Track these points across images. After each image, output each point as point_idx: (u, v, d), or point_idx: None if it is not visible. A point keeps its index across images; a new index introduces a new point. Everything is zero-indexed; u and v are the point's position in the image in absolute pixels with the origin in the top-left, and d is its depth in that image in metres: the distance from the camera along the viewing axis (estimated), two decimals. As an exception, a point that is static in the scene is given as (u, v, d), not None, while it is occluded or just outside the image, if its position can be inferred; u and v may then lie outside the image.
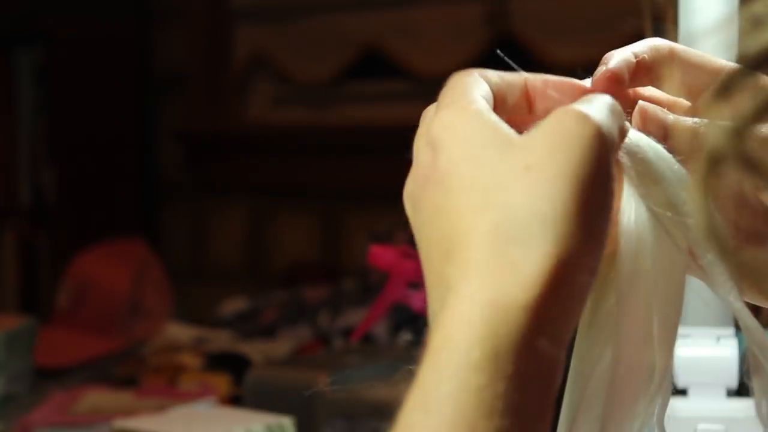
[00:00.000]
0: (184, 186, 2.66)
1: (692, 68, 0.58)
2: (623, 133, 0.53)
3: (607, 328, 0.54)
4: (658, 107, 0.57)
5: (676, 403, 0.87)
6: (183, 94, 2.63)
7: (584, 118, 0.49)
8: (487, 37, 2.20)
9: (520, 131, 0.51)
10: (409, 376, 0.46)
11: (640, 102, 0.57)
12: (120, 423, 1.17)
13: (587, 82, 0.57)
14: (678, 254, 0.54)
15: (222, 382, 1.46)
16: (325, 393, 1.20)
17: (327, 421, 1.19)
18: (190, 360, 1.57)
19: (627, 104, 0.56)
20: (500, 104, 0.55)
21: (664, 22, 0.89)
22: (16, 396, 1.48)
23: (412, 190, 0.52)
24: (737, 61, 0.48)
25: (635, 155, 0.54)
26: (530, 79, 0.57)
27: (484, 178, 0.49)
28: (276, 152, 2.47)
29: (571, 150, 0.48)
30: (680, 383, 0.89)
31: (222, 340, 1.75)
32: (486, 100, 0.53)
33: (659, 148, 0.54)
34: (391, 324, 1.62)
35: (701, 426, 0.88)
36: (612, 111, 0.51)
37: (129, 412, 1.29)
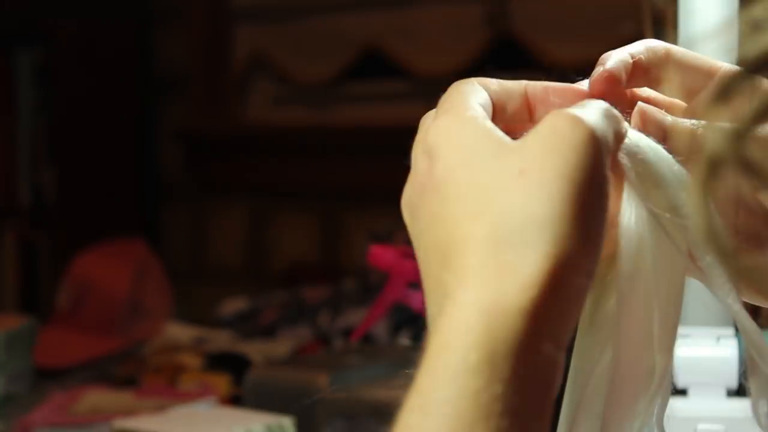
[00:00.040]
0: (184, 186, 2.66)
1: (688, 69, 0.58)
2: (619, 136, 0.53)
3: (607, 328, 0.55)
4: (657, 109, 0.57)
5: (676, 403, 0.88)
6: (183, 94, 2.63)
7: (577, 120, 0.50)
8: (487, 37, 2.20)
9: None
10: (409, 379, 0.47)
11: (639, 103, 0.57)
12: (120, 423, 1.17)
13: (585, 84, 0.57)
14: (678, 255, 0.54)
15: (222, 382, 1.46)
16: (325, 393, 1.21)
17: (327, 421, 1.19)
18: (190, 360, 1.57)
19: (625, 104, 0.56)
20: (499, 112, 0.55)
21: (663, 24, 0.89)
22: (16, 396, 1.48)
23: (409, 197, 0.52)
24: (737, 65, 0.48)
25: (635, 156, 0.54)
26: (531, 87, 0.57)
27: (479, 184, 0.49)
28: (276, 152, 2.47)
29: (565, 153, 0.49)
30: (680, 383, 0.89)
31: (222, 340, 1.75)
32: (484, 107, 0.53)
33: (659, 148, 0.54)
34: (391, 324, 1.62)
35: (701, 426, 0.88)
36: (606, 114, 0.52)
37: (129, 412, 1.29)
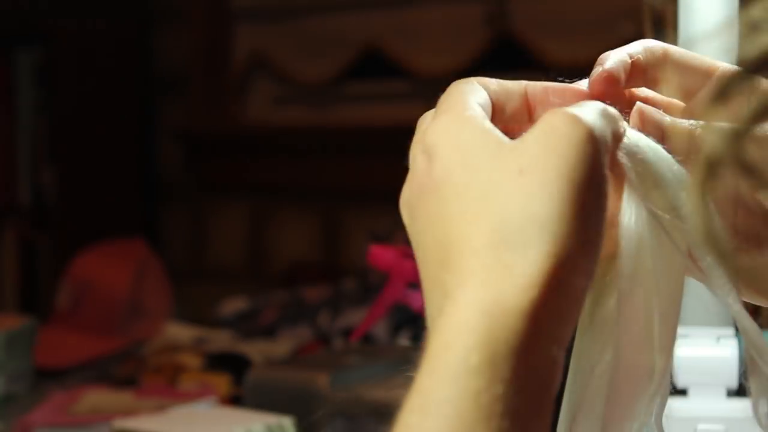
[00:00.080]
0: (184, 186, 2.66)
1: (686, 69, 0.58)
2: (617, 135, 0.53)
3: (607, 328, 0.55)
4: (655, 109, 0.57)
5: (676, 403, 0.88)
6: (183, 94, 2.63)
7: (575, 119, 0.50)
8: (487, 37, 2.20)
9: None
10: (409, 379, 0.47)
11: (638, 103, 0.57)
12: (120, 423, 1.17)
13: (584, 84, 0.57)
14: (678, 255, 0.54)
15: (222, 382, 1.46)
16: (325, 393, 1.21)
17: (327, 421, 1.19)
18: (190, 360, 1.57)
19: (624, 104, 0.56)
20: (499, 112, 0.55)
21: (663, 24, 0.89)
22: (16, 396, 1.48)
23: (408, 198, 0.52)
24: (736, 65, 0.48)
25: (635, 155, 0.54)
26: (530, 87, 0.57)
27: (478, 184, 0.49)
28: (276, 152, 2.47)
29: (564, 151, 0.48)
30: (680, 383, 0.89)
31: (222, 340, 1.74)
32: (483, 107, 0.53)
33: (659, 148, 0.54)
34: (391, 324, 1.62)
35: (701, 426, 0.88)
36: (603, 114, 0.52)
37: (129, 412, 1.29)
